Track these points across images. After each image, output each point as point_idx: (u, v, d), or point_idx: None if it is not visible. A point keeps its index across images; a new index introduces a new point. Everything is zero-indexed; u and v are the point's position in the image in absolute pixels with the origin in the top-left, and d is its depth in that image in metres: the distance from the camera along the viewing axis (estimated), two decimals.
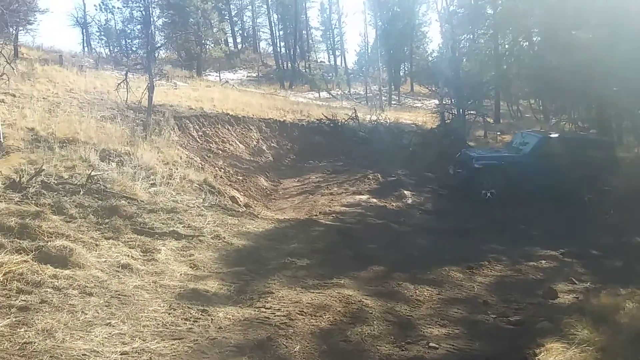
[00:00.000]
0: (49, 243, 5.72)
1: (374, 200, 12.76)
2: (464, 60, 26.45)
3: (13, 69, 17.19)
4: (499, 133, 23.60)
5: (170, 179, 10.43)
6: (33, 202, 7.55)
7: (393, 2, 41.78)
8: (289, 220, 9.86)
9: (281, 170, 17.52)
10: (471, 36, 33.88)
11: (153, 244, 6.80)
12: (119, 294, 5.22)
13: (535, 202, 12.44)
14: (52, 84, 19.13)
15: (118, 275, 5.70)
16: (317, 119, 21.81)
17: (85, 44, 44.66)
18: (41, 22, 53.14)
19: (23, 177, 8.37)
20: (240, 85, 35.33)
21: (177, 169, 11.63)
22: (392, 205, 12.49)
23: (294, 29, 46.36)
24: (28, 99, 15.55)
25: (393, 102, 35.60)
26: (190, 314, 5.02)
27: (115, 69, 27.92)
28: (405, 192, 13.48)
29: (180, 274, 6.09)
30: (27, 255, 5.43)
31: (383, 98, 33.31)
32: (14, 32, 24.94)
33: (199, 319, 4.93)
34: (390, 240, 9.11)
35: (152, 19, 40.16)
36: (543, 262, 8.77)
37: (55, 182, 8.68)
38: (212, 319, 4.94)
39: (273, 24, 49.17)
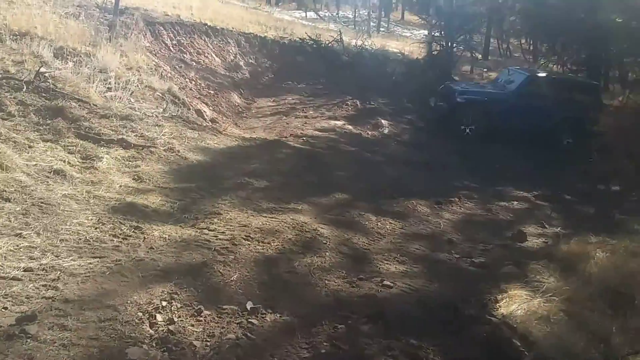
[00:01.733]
0: None
1: (349, 127, 12.21)
2: None
3: None
4: (485, 70, 23.02)
5: (131, 84, 9.63)
6: None
7: None
8: (255, 140, 9.26)
9: (257, 88, 16.71)
10: None
11: (96, 151, 6.11)
12: (42, 202, 4.59)
13: (515, 141, 12.09)
14: None
15: (47, 182, 5.04)
16: (300, 39, 20.74)
17: None
18: None
19: None
20: None
21: (140, 75, 10.79)
22: (368, 134, 11.98)
23: None
24: None
25: (382, 29, 34.16)
26: (121, 230, 4.44)
27: None
28: (383, 121, 12.96)
29: (120, 186, 5.45)
30: None
31: (372, 24, 31.97)
32: None
33: (130, 236, 4.36)
34: (360, 169, 8.61)
35: None
36: (515, 203, 8.44)
37: None
38: (144, 238, 4.37)
39: None
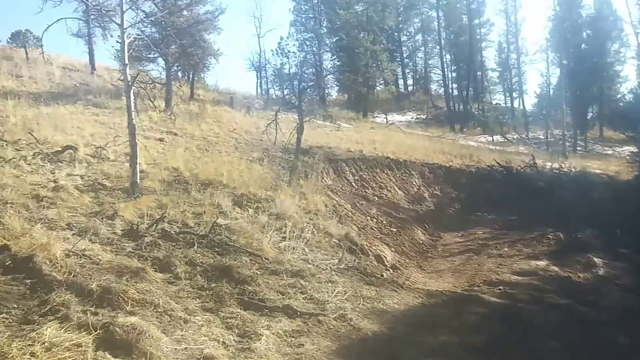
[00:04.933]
0: (118, 319, 4.45)
1: (555, 268, 10.37)
2: None
3: (172, 116, 17.56)
4: None
5: (307, 232, 9.10)
6: (145, 252, 6.63)
7: (580, 40, 37.17)
8: (442, 294, 7.93)
9: (442, 221, 15.55)
10: None
11: (256, 324, 5.24)
12: None
13: None
14: (218, 124, 19.36)
15: None
16: (488, 165, 19.56)
17: (259, 87, 46.25)
18: (217, 65, 57.22)
19: (143, 223, 7.59)
20: (407, 127, 33.99)
21: (318, 219, 10.33)
22: (579, 277, 10.02)
23: (468, 70, 43.93)
24: (188, 138, 15.61)
25: (578, 149, 31.42)
26: None
27: (285, 110, 28.08)
28: (595, 259, 10.88)
29: None
30: (89, 334, 4.17)
31: (567, 143, 29.56)
32: (190, 74, 26.33)
33: None
34: (579, 338, 6.72)
35: (322, 63, 40.80)
36: None
37: (177, 230, 7.79)
38: None
39: (445, 64, 47.15)
